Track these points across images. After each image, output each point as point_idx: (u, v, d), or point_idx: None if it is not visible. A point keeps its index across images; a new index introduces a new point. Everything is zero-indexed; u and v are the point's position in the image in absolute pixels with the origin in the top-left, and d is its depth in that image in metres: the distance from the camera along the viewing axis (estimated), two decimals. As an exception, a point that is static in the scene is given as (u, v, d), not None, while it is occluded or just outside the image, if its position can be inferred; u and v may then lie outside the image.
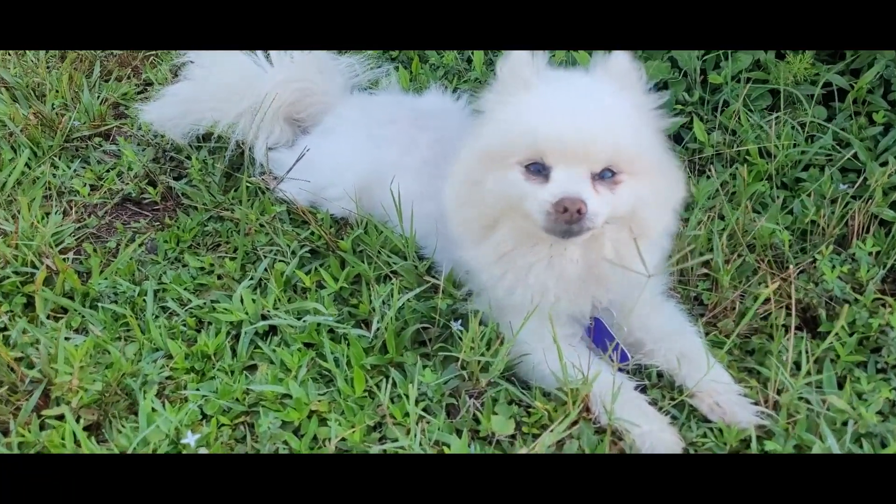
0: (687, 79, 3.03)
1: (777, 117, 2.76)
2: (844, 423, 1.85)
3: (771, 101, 2.90)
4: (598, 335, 2.07)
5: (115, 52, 3.56)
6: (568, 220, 1.73)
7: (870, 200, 2.42)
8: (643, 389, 2.03)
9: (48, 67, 3.41)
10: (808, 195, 2.56)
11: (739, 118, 2.82)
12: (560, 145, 1.77)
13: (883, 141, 2.70)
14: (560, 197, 1.74)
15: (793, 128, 2.74)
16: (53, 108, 3.12)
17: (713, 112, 2.94)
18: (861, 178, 2.56)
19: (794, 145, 2.71)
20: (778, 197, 2.55)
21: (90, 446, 1.81)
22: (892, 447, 1.76)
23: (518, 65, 1.88)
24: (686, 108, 2.95)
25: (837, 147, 2.70)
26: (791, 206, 2.54)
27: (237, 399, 1.98)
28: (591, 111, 1.82)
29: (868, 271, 2.24)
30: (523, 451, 1.78)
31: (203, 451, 1.82)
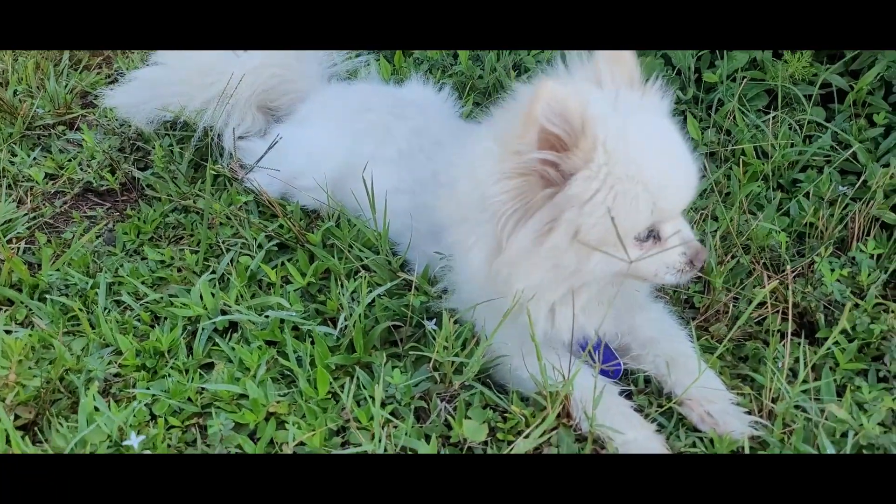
0: (681, 77, 2.92)
1: (774, 117, 2.64)
2: (844, 434, 1.71)
3: (767, 101, 2.79)
4: (605, 354, 1.92)
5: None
6: (699, 267, 1.73)
7: (870, 202, 2.30)
8: (629, 395, 1.89)
9: (14, 54, 3.27)
10: (807, 196, 2.44)
11: (734, 117, 2.70)
12: (677, 205, 1.69)
13: (884, 143, 2.58)
14: (695, 252, 1.71)
15: (790, 127, 2.62)
16: (16, 95, 2.97)
17: (707, 111, 2.83)
18: (860, 180, 2.44)
19: (792, 145, 2.59)
20: (774, 198, 2.43)
21: (22, 446, 1.65)
22: (897, 461, 1.62)
23: (595, 129, 1.57)
24: (679, 106, 2.83)
25: (836, 148, 2.58)
26: (787, 208, 2.41)
27: (189, 399, 1.84)
28: (685, 157, 1.70)
29: (869, 275, 2.11)
30: (497, 459, 1.63)
31: (147, 453, 1.67)
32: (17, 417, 1.76)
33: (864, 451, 1.68)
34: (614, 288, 1.83)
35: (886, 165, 2.42)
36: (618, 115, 1.62)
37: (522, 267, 1.67)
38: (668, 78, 2.88)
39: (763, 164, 2.53)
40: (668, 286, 1.80)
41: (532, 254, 1.64)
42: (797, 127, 2.63)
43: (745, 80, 2.77)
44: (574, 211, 1.59)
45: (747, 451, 1.67)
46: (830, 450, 1.65)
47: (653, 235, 1.69)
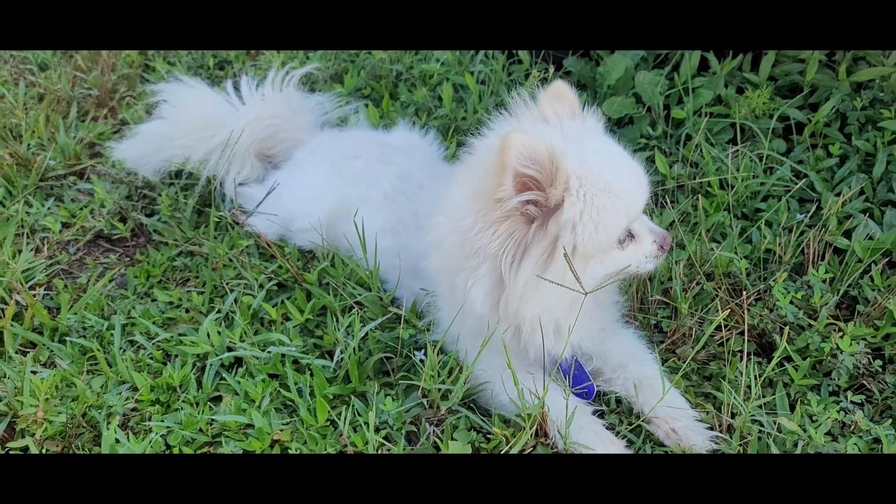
0: (651, 113, 3.11)
1: (736, 151, 2.83)
2: (795, 444, 1.89)
3: (732, 135, 2.98)
4: (577, 373, 2.10)
5: (92, 92, 3.62)
6: (667, 250, 1.98)
7: (824, 229, 2.49)
8: (602, 414, 2.08)
9: (26, 108, 3.47)
10: (768, 224, 2.62)
11: (701, 151, 2.89)
12: (641, 205, 1.92)
13: (839, 172, 2.77)
14: (662, 237, 1.96)
15: (751, 160, 2.81)
16: (29, 148, 3.16)
17: (676, 145, 3.02)
18: (816, 208, 2.62)
19: (754, 176, 2.78)
20: (736, 227, 2.61)
21: (51, 477, 1.82)
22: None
23: (566, 169, 1.76)
24: (650, 141, 3.03)
25: (795, 179, 2.77)
26: (749, 235, 2.60)
27: (201, 429, 2.01)
28: (635, 165, 1.93)
29: (822, 297, 2.29)
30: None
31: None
32: (43, 450, 1.93)
33: (812, 460, 1.86)
34: (597, 307, 2.03)
35: (839, 194, 2.61)
36: (571, 143, 1.82)
37: (531, 296, 1.85)
38: (638, 116, 3.09)
39: (727, 194, 2.72)
40: (646, 273, 2.03)
41: (538, 282, 1.82)
42: (757, 160, 2.82)
43: (710, 115, 2.98)
44: (568, 233, 1.78)
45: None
46: (780, 459, 1.83)
47: (629, 235, 1.90)
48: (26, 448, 1.93)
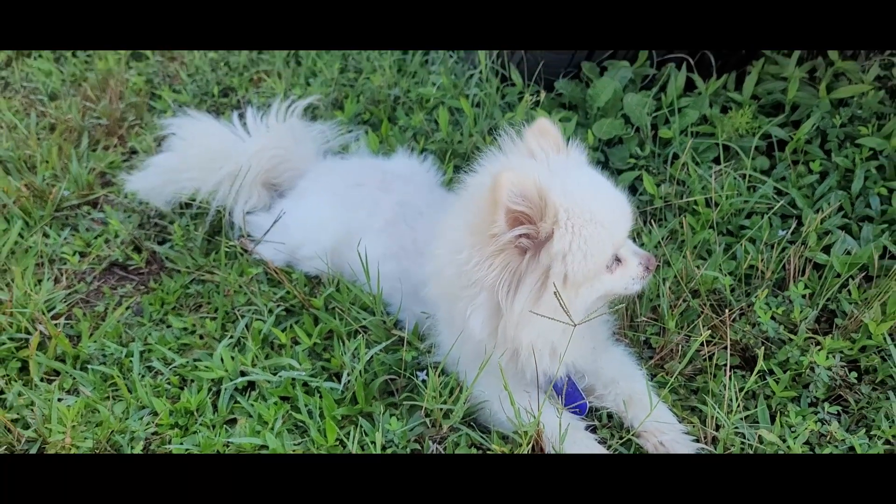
0: (639, 133, 3.24)
1: (719, 170, 2.96)
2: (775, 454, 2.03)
3: (718, 154, 3.11)
4: (570, 391, 2.24)
5: (101, 121, 3.75)
6: (653, 270, 2.12)
7: (804, 245, 2.62)
8: (594, 429, 2.21)
9: (39, 139, 3.60)
10: (751, 241, 2.75)
11: (688, 170, 3.02)
12: (625, 232, 2.05)
13: (819, 188, 2.90)
14: (646, 259, 2.10)
15: (734, 179, 2.94)
16: (44, 180, 3.30)
17: (663, 164, 3.15)
18: (797, 224, 2.75)
19: (738, 194, 2.91)
20: (721, 244, 2.74)
21: (82, 500, 1.96)
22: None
23: (556, 203, 1.89)
24: (639, 161, 3.16)
25: (777, 196, 2.90)
26: (734, 252, 2.73)
27: (218, 451, 2.14)
28: (618, 194, 2.07)
29: (801, 312, 2.42)
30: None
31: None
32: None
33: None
34: (589, 327, 2.16)
35: (819, 210, 2.74)
36: (557, 177, 1.95)
37: (526, 323, 1.98)
38: (627, 136, 3.22)
39: (712, 212, 2.85)
40: (635, 293, 2.17)
41: (532, 309, 1.95)
42: (739, 178, 2.95)
43: (695, 135, 3.11)
44: (559, 263, 1.91)
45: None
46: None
47: (616, 260, 2.04)
48: (56, 473, 2.06)
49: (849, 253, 2.62)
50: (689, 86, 3.34)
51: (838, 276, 2.53)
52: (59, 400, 2.27)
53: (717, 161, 3.07)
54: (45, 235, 3.05)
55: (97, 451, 2.11)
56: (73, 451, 2.08)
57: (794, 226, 2.73)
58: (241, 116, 3.11)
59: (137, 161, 3.45)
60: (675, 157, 3.12)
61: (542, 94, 3.22)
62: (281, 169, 3.06)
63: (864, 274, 2.55)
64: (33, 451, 2.14)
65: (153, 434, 2.23)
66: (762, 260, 2.62)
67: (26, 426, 2.21)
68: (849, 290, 2.50)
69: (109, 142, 3.69)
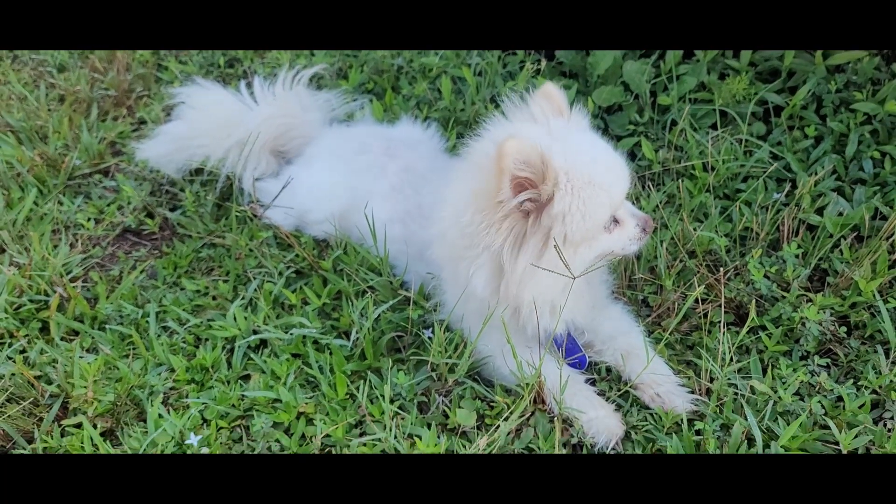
0: (638, 101, 3.31)
1: (717, 135, 3.03)
2: (766, 403, 2.12)
3: (715, 119, 3.18)
4: (570, 345, 2.33)
5: (109, 92, 3.82)
6: (650, 232, 2.19)
7: (798, 207, 2.69)
8: (593, 382, 2.30)
9: (49, 110, 3.67)
10: (747, 204, 2.83)
11: (686, 136, 3.09)
12: (622, 193, 2.12)
13: (814, 152, 2.97)
14: (644, 220, 2.16)
15: (731, 144, 3.01)
16: (56, 149, 3.37)
17: (662, 130, 3.22)
18: (792, 187, 2.83)
19: (735, 159, 2.98)
20: (718, 207, 2.82)
21: (107, 448, 2.06)
22: (801, 418, 2.02)
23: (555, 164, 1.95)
24: (638, 128, 3.23)
25: (773, 160, 2.97)
26: (730, 214, 2.81)
27: (233, 405, 2.24)
28: (617, 157, 2.13)
29: (794, 270, 2.50)
30: (484, 440, 2.03)
31: (205, 450, 2.08)
32: (95, 426, 2.17)
33: (780, 418, 2.09)
34: (588, 286, 2.25)
35: (814, 174, 2.82)
36: (558, 141, 2.03)
37: (528, 281, 2.06)
38: (627, 104, 3.29)
39: (709, 176, 2.93)
40: (633, 254, 2.24)
41: (534, 268, 2.03)
42: (736, 144, 3.02)
43: (693, 101, 3.18)
44: (559, 224, 1.99)
45: (685, 422, 2.08)
46: (751, 416, 2.05)
47: (614, 221, 2.11)
48: (79, 425, 2.16)
49: (841, 214, 2.70)
50: (688, 53, 3.39)
51: (830, 236, 2.61)
52: (80, 357, 2.36)
53: (714, 127, 3.14)
54: (60, 203, 3.13)
55: (118, 405, 2.20)
56: (96, 403, 2.18)
57: (788, 189, 2.80)
58: (249, 85, 3.18)
59: (146, 131, 3.52)
60: (674, 123, 3.18)
61: (544, 63, 3.29)
62: (288, 136, 3.13)
63: (855, 234, 2.63)
64: (57, 405, 2.23)
65: (171, 389, 2.32)
66: (757, 221, 2.70)
67: (49, 382, 2.30)
68: (840, 250, 2.58)
69: (118, 112, 3.76)
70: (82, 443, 2.08)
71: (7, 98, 3.78)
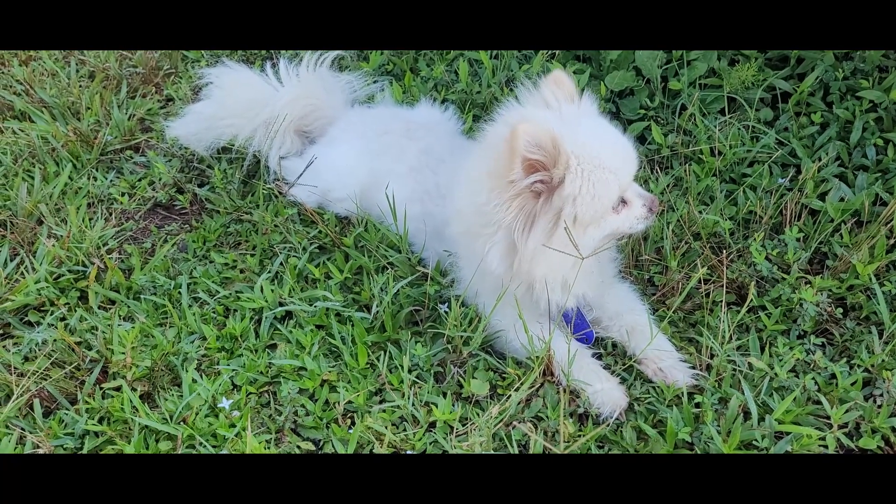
0: (650, 85, 3.40)
1: (725, 121, 3.14)
2: (763, 378, 2.25)
3: (724, 105, 3.27)
4: (578, 321, 2.46)
5: (137, 69, 3.95)
6: (657, 212, 2.29)
7: (801, 192, 2.80)
8: (599, 356, 2.44)
9: (80, 86, 3.81)
10: (753, 188, 2.94)
11: (695, 120, 3.20)
12: (630, 175, 2.24)
13: (819, 139, 3.07)
14: (650, 200, 2.28)
15: (739, 129, 3.11)
16: (89, 125, 3.51)
17: (672, 115, 3.32)
18: (794, 172, 2.94)
19: (742, 144, 3.09)
20: (723, 191, 2.93)
21: (146, 410, 2.22)
22: (795, 393, 2.15)
23: (565, 148, 2.06)
24: (648, 112, 3.33)
25: (779, 146, 3.07)
26: (736, 197, 2.92)
27: (261, 372, 2.39)
28: (624, 141, 2.25)
29: (795, 253, 2.62)
30: (496, 408, 2.17)
31: (236, 413, 2.23)
32: (134, 389, 2.32)
33: (776, 393, 2.22)
34: (597, 264, 2.37)
35: (818, 160, 2.92)
36: (569, 126, 2.14)
37: (540, 258, 2.19)
38: (638, 88, 3.39)
39: (716, 161, 3.04)
40: (640, 233, 2.36)
41: (546, 246, 2.16)
42: (743, 129, 3.12)
43: (703, 87, 3.27)
44: (569, 205, 2.11)
45: (685, 395, 2.21)
46: (747, 391, 2.18)
47: (622, 201, 2.23)
48: (119, 388, 2.32)
49: (843, 200, 2.80)
50: (700, 40, 3.48)
51: (832, 220, 2.72)
52: (118, 325, 2.51)
53: (722, 112, 3.24)
54: (93, 178, 3.28)
55: (155, 370, 2.36)
56: (134, 368, 2.33)
57: (792, 174, 2.91)
58: (274, 67, 3.30)
59: (174, 108, 3.66)
60: (683, 108, 3.29)
61: (558, 47, 3.39)
62: (312, 117, 3.25)
63: (855, 219, 2.74)
64: (97, 369, 2.39)
65: (203, 356, 2.47)
66: (761, 205, 2.81)
67: (89, 347, 2.46)
68: (840, 234, 2.69)
69: (147, 89, 3.89)
70: (122, 405, 2.23)
71: (39, 74, 3.91)
